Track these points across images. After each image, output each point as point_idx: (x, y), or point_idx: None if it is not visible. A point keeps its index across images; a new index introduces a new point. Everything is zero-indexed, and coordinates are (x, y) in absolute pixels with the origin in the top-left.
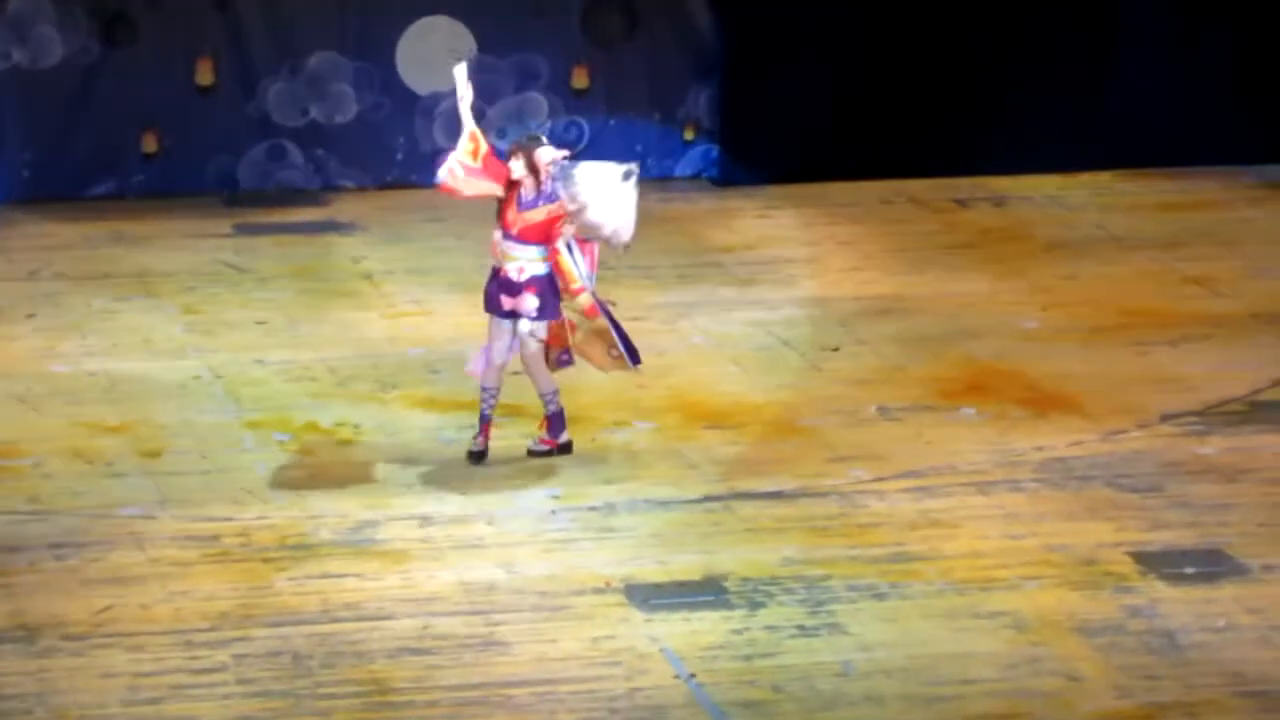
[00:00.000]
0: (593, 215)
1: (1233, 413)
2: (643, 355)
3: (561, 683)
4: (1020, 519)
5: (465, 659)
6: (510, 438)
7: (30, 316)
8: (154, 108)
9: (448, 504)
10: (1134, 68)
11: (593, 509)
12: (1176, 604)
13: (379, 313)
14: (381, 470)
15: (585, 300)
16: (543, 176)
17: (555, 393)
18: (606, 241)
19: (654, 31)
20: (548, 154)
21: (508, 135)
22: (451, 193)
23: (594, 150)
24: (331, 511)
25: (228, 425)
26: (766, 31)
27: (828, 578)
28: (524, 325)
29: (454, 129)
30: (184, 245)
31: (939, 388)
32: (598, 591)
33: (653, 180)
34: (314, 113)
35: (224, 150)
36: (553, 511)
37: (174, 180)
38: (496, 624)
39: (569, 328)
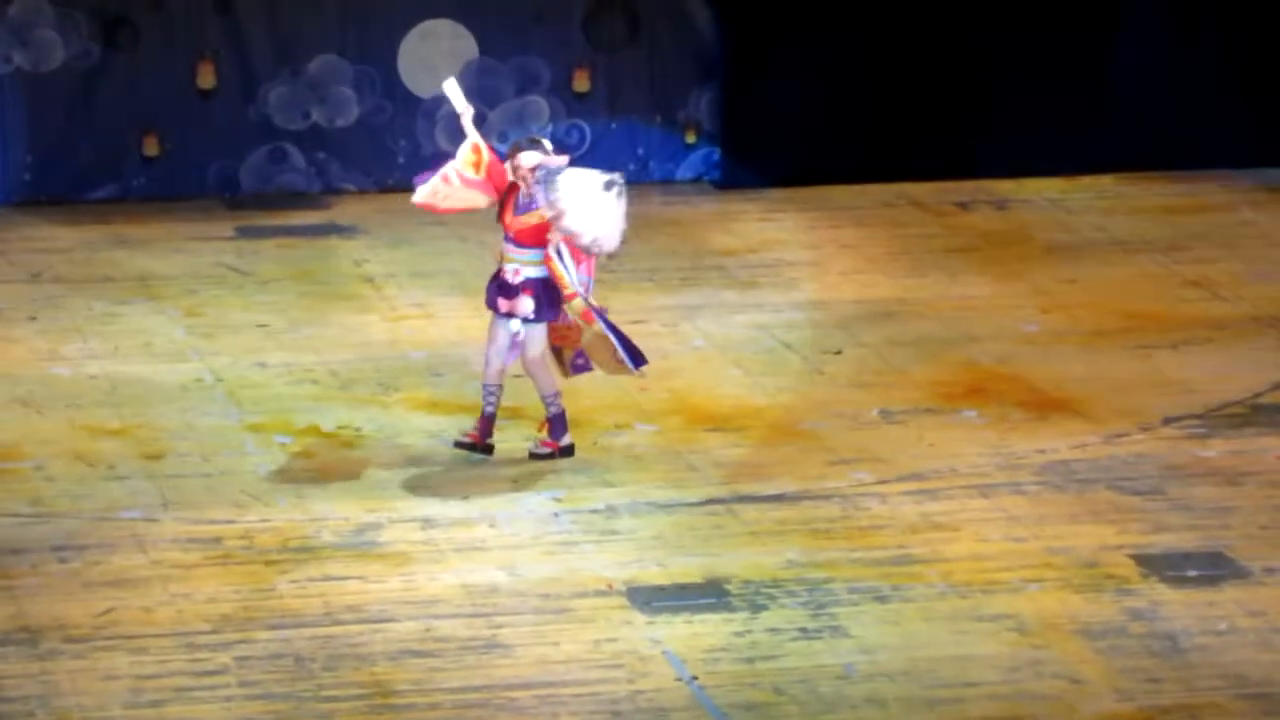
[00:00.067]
0: (569, 222)
1: (1234, 415)
2: (648, 362)
3: (563, 685)
4: (1022, 522)
5: (467, 661)
6: (512, 440)
7: (32, 319)
8: (155, 111)
9: (450, 506)
10: (1135, 71)
11: (594, 511)
12: (1178, 607)
13: (380, 315)
14: (383, 473)
15: (578, 305)
16: (525, 180)
17: (557, 395)
18: (586, 249)
19: (655, 34)
20: (530, 158)
21: (509, 138)
22: (430, 209)
23: (595, 153)
24: (333, 514)
25: (229, 428)
26: (768, 34)
27: (829, 580)
28: (514, 325)
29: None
30: (185, 248)
31: (940, 390)
32: (600, 594)
33: (654, 183)
34: (315, 116)
35: (225, 153)
36: (555, 514)
37: (175, 183)
38: (498, 626)
39: (576, 329)
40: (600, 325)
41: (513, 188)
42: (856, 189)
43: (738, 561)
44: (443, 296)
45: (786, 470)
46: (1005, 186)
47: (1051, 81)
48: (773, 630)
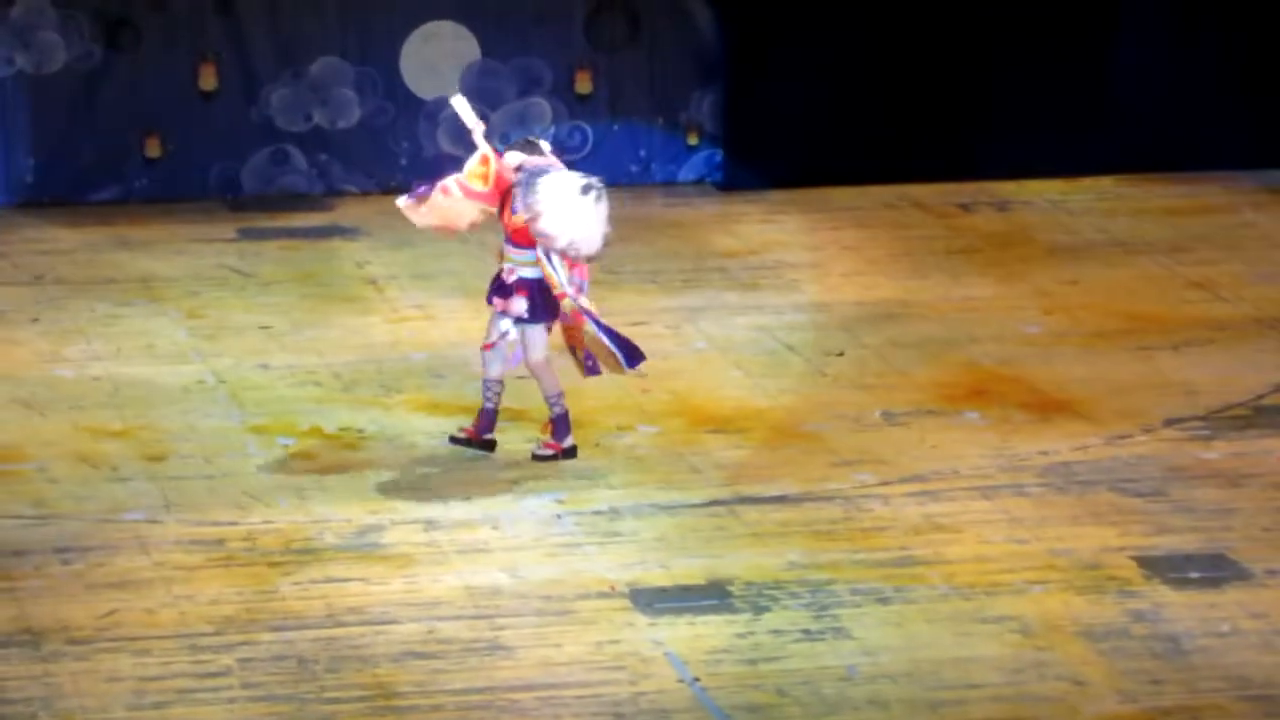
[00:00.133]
0: (545, 225)
1: (1236, 417)
2: (647, 359)
3: (566, 687)
4: (1024, 523)
5: (470, 663)
6: (514, 442)
7: (34, 321)
8: (157, 112)
9: (452, 508)
10: (1137, 72)
11: (597, 513)
12: (1180, 608)
13: (382, 317)
14: (385, 474)
15: (568, 306)
16: (507, 180)
17: (560, 395)
18: (563, 253)
19: (656, 36)
20: (512, 158)
21: (511, 139)
22: (410, 215)
23: (597, 155)
24: (336, 516)
25: (231, 430)
26: (769, 36)
27: (832, 582)
28: (504, 324)
29: (457, 134)
30: (187, 250)
31: (942, 392)
32: (602, 595)
33: (656, 185)
34: (317, 118)
35: (227, 155)
36: (557, 516)
37: (177, 185)
38: (501, 628)
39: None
40: (591, 326)
41: (511, 188)
42: (858, 190)
43: (740, 563)
44: (444, 298)
45: (789, 472)
46: (1007, 188)
47: (1053, 83)
48: (775, 632)
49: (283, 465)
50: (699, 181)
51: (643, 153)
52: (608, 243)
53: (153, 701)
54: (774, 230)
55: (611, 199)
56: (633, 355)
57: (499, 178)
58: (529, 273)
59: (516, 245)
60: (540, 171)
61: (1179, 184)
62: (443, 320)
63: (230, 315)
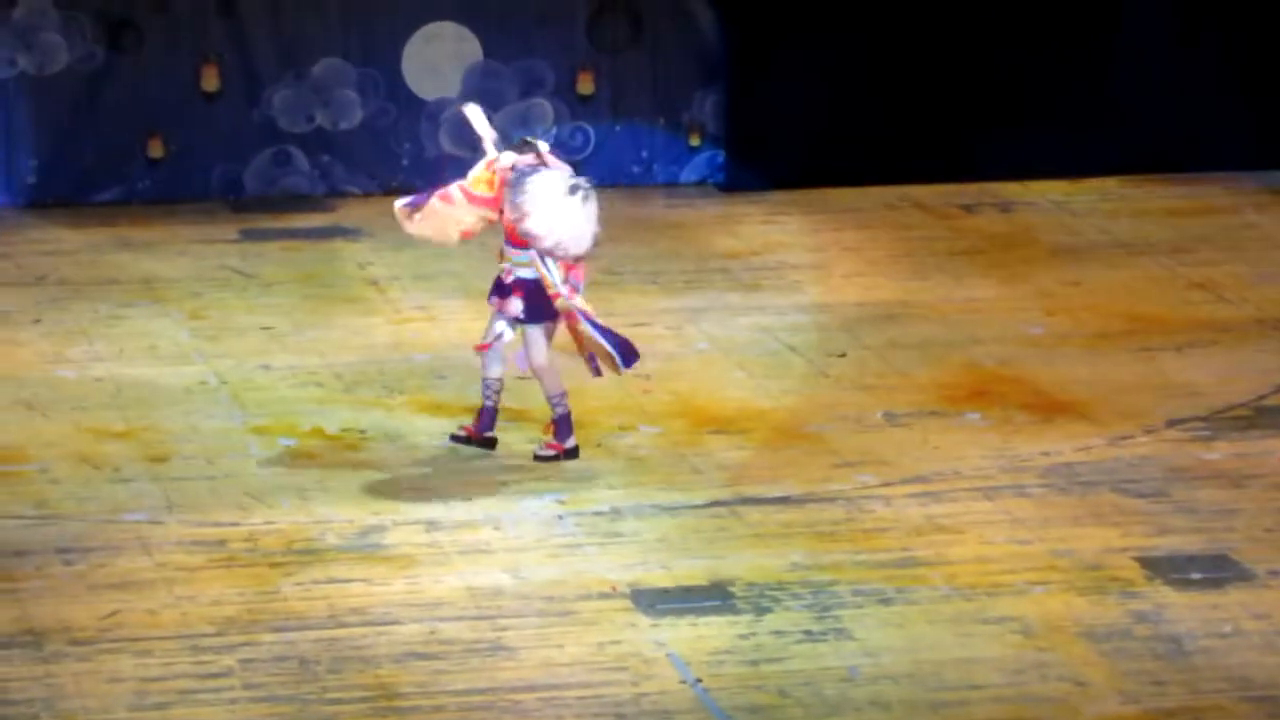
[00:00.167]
0: (531, 225)
1: (1239, 418)
2: (648, 360)
3: (567, 688)
4: (1026, 524)
5: (472, 664)
6: (516, 443)
7: (36, 322)
8: (159, 113)
9: (454, 509)
10: (1139, 73)
11: (598, 514)
12: (1183, 609)
13: (385, 318)
14: (387, 475)
15: (562, 305)
16: (505, 181)
17: (563, 395)
18: (549, 253)
19: (659, 37)
20: (506, 158)
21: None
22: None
23: (600, 156)
24: (337, 516)
25: (234, 430)
26: (771, 37)
27: (834, 583)
28: (498, 326)
29: (459, 135)
30: (190, 251)
31: (944, 393)
32: (604, 596)
33: (658, 186)
34: (319, 119)
35: (229, 156)
36: (559, 516)
37: (179, 186)
38: (503, 629)
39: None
40: (585, 325)
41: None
42: (860, 191)
43: (742, 564)
44: (446, 299)
45: (791, 473)
46: (1009, 189)
47: (1055, 83)
48: (777, 633)
49: (285, 466)
50: (701, 182)
51: (645, 154)
52: (598, 243)
53: (154, 702)
54: (776, 231)
55: (614, 200)
56: (629, 354)
57: (501, 181)
58: (527, 273)
59: (515, 246)
60: (529, 171)
61: (1181, 185)
62: (445, 321)
63: (232, 316)
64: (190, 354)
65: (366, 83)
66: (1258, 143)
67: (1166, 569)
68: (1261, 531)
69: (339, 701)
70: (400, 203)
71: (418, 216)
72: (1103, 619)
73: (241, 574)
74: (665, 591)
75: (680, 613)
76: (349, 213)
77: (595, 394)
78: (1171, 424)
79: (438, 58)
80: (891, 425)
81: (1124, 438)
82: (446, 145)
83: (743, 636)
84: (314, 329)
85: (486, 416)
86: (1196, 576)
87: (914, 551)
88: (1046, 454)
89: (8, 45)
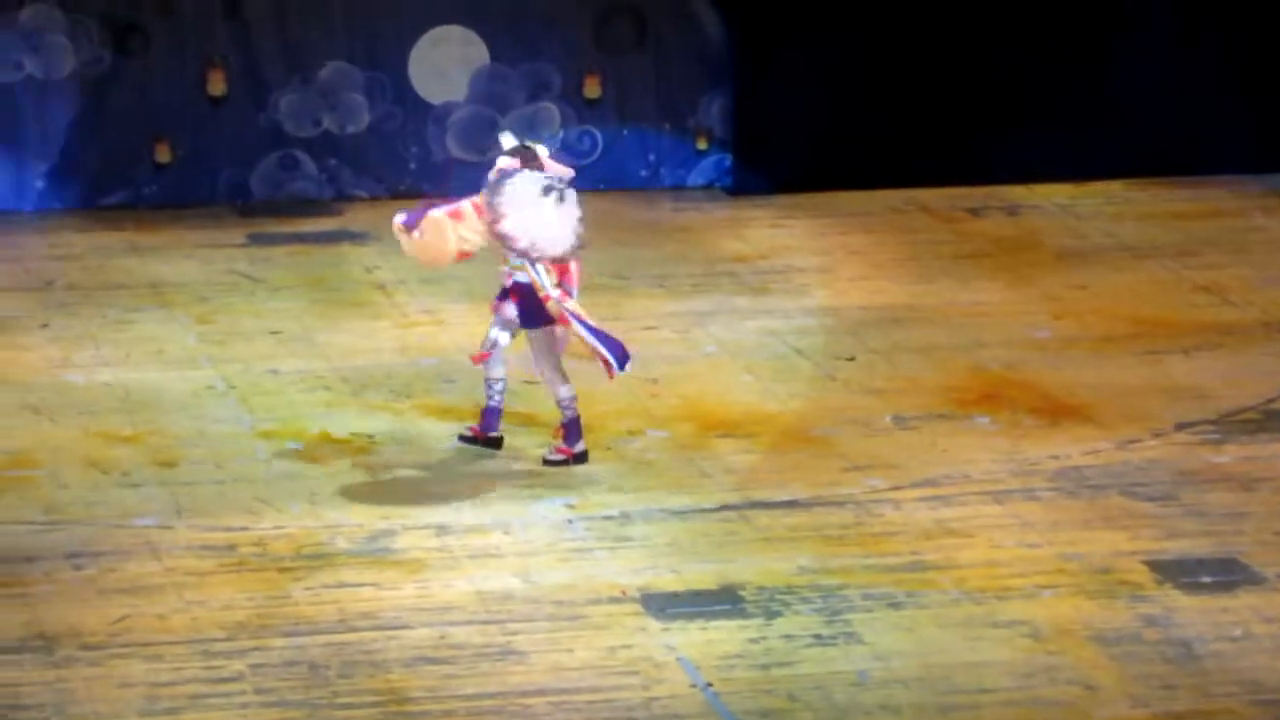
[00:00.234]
0: (506, 227)
1: (1247, 421)
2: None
3: (578, 692)
4: (1035, 528)
5: (481, 668)
6: (525, 447)
7: (44, 326)
8: (166, 118)
9: (464, 513)
10: (1145, 76)
11: (608, 518)
12: (1192, 613)
13: (392, 322)
14: (396, 479)
15: (553, 309)
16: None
17: (572, 399)
18: (525, 254)
19: (665, 40)
20: (501, 163)
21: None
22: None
23: (607, 160)
24: (347, 521)
25: (242, 435)
26: (777, 40)
27: (843, 587)
28: (494, 333)
29: (465, 137)
30: (197, 255)
31: (952, 397)
32: (614, 600)
33: (666, 190)
34: (326, 123)
35: (236, 160)
36: (568, 520)
37: (187, 190)
38: (513, 633)
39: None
40: (577, 327)
41: None
42: (867, 195)
43: (751, 568)
44: (453, 303)
45: (799, 476)
46: (1014, 192)
47: (1061, 86)
48: (787, 637)
49: (293, 470)
50: (708, 186)
51: (652, 157)
52: (583, 243)
53: (165, 707)
54: (783, 235)
55: (621, 203)
56: (622, 356)
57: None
58: (523, 277)
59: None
60: (508, 175)
61: (1187, 188)
62: (452, 325)
63: (240, 320)
64: (198, 358)
65: (373, 86)
66: (1264, 146)
67: (1176, 572)
68: (1271, 535)
69: (349, 706)
70: (399, 219)
71: (415, 234)
72: (1112, 623)
73: (251, 578)
74: (675, 595)
75: (690, 617)
76: (356, 217)
77: (604, 398)
78: (1180, 427)
79: (444, 61)
80: (900, 429)
81: (1132, 441)
82: (454, 148)
83: (753, 640)
84: (321, 333)
85: (491, 415)
86: (1206, 580)
87: (923, 555)
88: (1055, 457)
89: (14, 49)
